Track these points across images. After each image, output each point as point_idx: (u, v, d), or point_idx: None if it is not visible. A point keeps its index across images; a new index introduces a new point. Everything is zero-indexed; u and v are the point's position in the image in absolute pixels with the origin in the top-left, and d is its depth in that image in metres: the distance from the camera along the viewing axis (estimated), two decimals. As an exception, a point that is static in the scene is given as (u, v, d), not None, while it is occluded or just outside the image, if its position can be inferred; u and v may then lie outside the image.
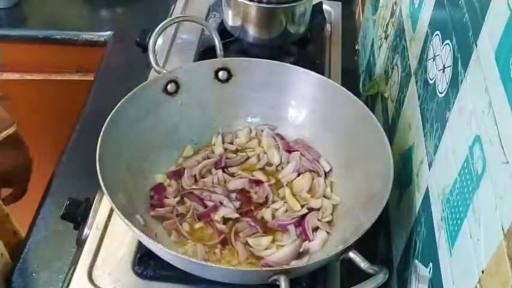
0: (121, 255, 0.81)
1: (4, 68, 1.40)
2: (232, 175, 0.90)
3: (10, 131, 0.94)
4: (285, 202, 0.87)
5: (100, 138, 0.77)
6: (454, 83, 0.64)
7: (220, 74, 0.94)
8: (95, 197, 0.87)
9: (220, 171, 0.90)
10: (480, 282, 0.50)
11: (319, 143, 0.94)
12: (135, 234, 0.72)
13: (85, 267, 0.80)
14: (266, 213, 0.84)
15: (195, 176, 0.89)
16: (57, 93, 1.41)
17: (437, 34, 0.73)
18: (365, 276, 0.67)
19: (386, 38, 1.05)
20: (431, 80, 0.73)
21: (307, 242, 0.82)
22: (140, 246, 0.81)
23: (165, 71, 0.92)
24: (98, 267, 0.80)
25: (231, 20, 1.14)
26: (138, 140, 0.85)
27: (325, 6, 1.32)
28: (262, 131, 0.96)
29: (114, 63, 1.25)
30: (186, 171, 0.89)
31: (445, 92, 0.67)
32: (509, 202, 0.46)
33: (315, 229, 0.83)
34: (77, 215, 0.85)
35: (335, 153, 0.92)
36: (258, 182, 0.88)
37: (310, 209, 0.85)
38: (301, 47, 1.19)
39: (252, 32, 1.13)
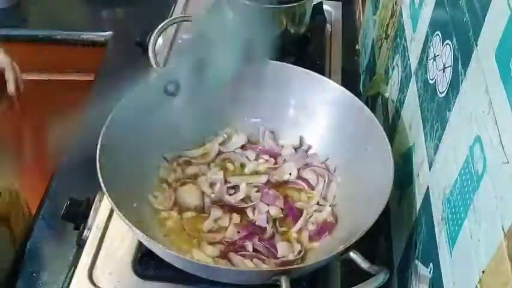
0: (121, 256, 0.81)
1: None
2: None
3: None
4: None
5: (100, 138, 0.77)
6: (455, 83, 0.63)
7: (220, 74, 0.94)
8: (95, 197, 0.87)
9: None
10: (480, 283, 0.50)
11: (319, 143, 0.94)
12: (135, 234, 0.72)
13: (85, 267, 0.80)
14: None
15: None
16: (57, 93, 1.41)
17: (437, 34, 0.73)
18: (365, 276, 0.67)
19: (386, 38, 1.05)
20: (432, 80, 0.73)
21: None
22: (141, 246, 0.81)
23: (165, 71, 0.91)
24: (99, 268, 0.80)
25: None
26: (138, 140, 0.85)
27: (325, 7, 1.32)
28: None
29: (114, 63, 1.25)
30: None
31: (445, 92, 0.67)
32: (510, 202, 0.46)
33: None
34: (77, 215, 0.85)
35: (335, 154, 0.92)
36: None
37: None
38: (302, 47, 1.19)
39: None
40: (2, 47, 1.03)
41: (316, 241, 0.82)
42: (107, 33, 1.33)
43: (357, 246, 0.69)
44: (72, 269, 0.80)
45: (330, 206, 0.86)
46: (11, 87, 1.01)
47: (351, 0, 1.45)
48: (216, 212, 0.84)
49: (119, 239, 0.83)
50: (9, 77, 1.01)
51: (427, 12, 0.79)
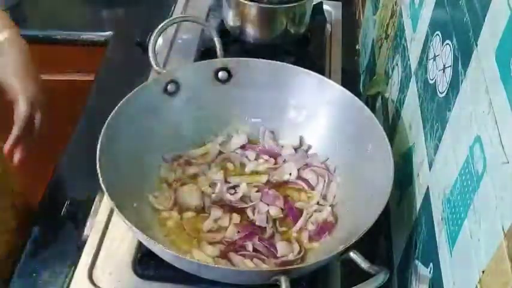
0: (121, 256, 0.81)
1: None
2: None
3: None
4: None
5: (100, 138, 0.77)
6: (455, 83, 0.63)
7: (220, 74, 0.94)
8: (95, 197, 0.87)
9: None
10: (480, 283, 0.50)
11: (319, 143, 0.94)
12: (135, 234, 0.72)
13: (85, 267, 0.80)
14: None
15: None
16: (58, 93, 1.40)
17: (437, 34, 0.73)
18: (365, 276, 0.67)
19: (386, 38, 1.05)
20: (432, 80, 0.73)
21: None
22: (141, 246, 0.81)
23: (165, 71, 0.92)
24: (99, 268, 0.80)
25: (231, 20, 1.14)
26: (138, 140, 0.85)
27: (325, 7, 1.32)
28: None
29: (114, 63, 1.24)
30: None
31: (445, 92, 0.67)
32: (510, 202, 0.46)
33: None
34: (77, 215, 0.85)
35: (335, 154, 0.92)
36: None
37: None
38: (302, 47, 1.19)
39: (252, 32, 1.13)
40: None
41: (316, 241, 0.82)
42: (107, 33, 1.33)
43: (357, 246, 0.69)
44: (73, 269, 0.80)
45: (330, 206, 0.86)
46: (8, 141, 0.87)
47: (350, 0, 1.45)
48: (216, 212, 0.84)
49: (119, 239, 0.83)
50: (15, 126, 0.87)
51: (427, 12, 0.79)
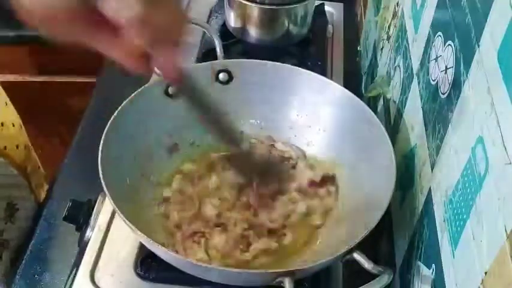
0: (123, 257, 0.81)
1: (5, 70, 1.40)
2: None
3: None
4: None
5: (102, 140, 0.77)
6: (457, 84, 0.63)
7: (221, 75, 0.93)
8: (97, 199, 0.87)
9: None
10: (483, 284, 0.50)
11: (321, 144, 0.94)
12: (137, 236, 0.72)
13: (87, 269, 0.80)
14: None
15: None
16: (59, 95, 1.41)
17: (439, 35, 0.73)
18: (366, 277, 0.67)
19: (388, 39, 1.05)
20: (434, 81, 0.73)
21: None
22: (142, 248, 0.81)
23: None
24: (100, 269, 0.80)
25: (233, 21, 1.15)
26: (139, 142, 0.85)
27: (327, 8, 1.32)
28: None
29: (116, 65, 1.24)
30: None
31: (447, 93, 0.67)
32: (512, 203, 0.46)
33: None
34: (79, 216, 0.85)
35: (337, 155, 0.92)
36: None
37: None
38: (303, 49, 1.19)
39: (254, 33, 1.13)
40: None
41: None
42: (109, 35, 1.33)
43: (359, 247, 0.69)
44: (74, 270, 0.80)
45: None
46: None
47: (352, 1, 1.46)
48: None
49: (120, 241, 0.83)
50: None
51: (428, 13, 0.79)
